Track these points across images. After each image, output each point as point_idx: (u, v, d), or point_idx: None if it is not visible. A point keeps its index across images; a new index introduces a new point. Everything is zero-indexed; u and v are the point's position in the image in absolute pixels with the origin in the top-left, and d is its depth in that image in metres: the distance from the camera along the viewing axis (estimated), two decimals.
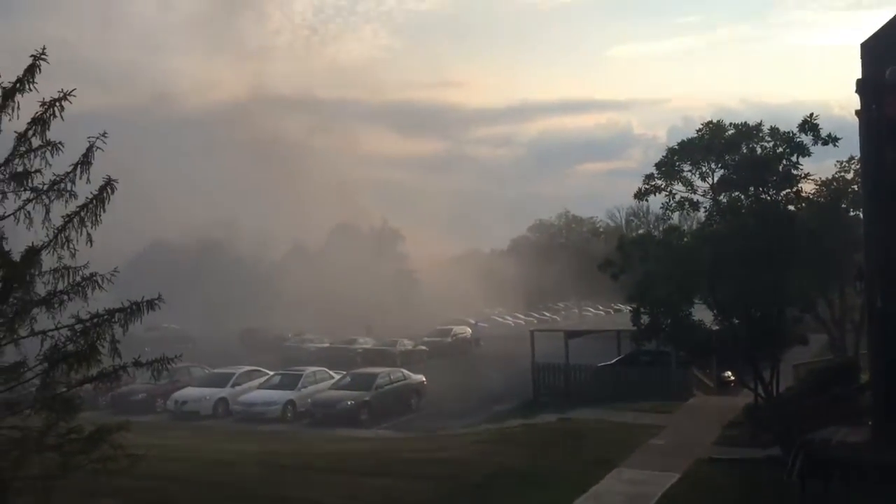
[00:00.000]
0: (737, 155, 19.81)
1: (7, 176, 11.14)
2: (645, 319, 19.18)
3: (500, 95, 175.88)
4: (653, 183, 20.48)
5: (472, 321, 63.76)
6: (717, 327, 20.02)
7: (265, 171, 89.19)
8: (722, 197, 20.33)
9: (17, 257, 10.99)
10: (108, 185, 11.24)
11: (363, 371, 30.03)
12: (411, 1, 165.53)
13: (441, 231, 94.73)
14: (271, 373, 29.93)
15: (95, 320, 11.27)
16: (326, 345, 46.63)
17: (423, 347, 46.24)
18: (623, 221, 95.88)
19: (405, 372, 29.57)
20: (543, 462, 17.21)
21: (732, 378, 28.35)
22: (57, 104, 11.08)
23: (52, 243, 11.16)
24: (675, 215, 21.92)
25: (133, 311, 11.39)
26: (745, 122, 20.13)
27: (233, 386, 28.38)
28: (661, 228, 33.23)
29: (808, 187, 21.07)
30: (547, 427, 21.59)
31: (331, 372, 29.89)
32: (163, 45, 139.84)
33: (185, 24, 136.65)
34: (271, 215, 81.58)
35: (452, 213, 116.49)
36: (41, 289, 11.24)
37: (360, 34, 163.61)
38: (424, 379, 29.47)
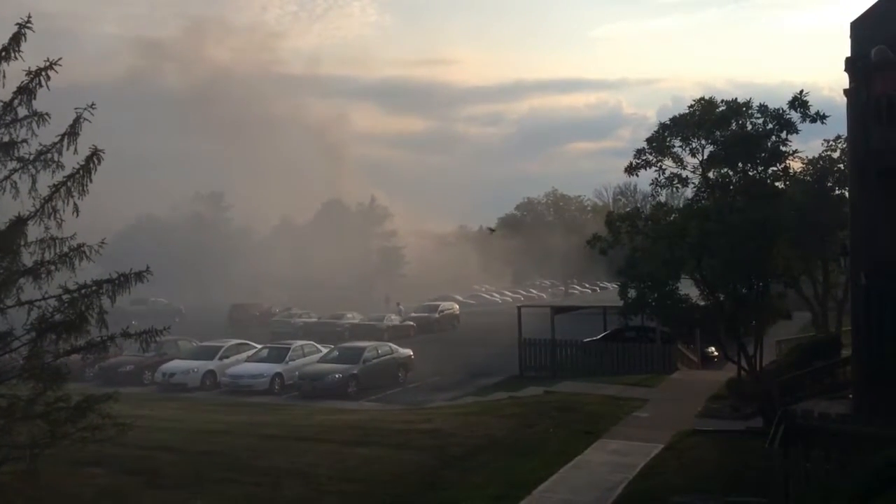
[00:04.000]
0: (727, 131, 19.86)
1: None
2: (632, 294, 19.29)
3: (490, 74, 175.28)
4: (644, 158, 20.50)
5: (460, 298, 63.98)
6: (702, 303, 20.22)
7: (253, 148, 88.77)
8: (711, 173, 20.43)
9: (2, 227, 10.93)
10: (95, 155, 11.17)
11: (351, 345, 30.10)
12: None
13: (430, 209, 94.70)
14: (259, 346, 29.97)
15: (83, 291, 11.25)
16: (314, 319, 46.66)
17: (411, 323, 46.45)
18: (610, 200, 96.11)
19: (392, 346, 29.66)
20: (529, 433, 17.40)
21: (716, 353, 28.73)
22: (43, 73, 10.96)
23: (38, 213, 11.10)
24: (664, 193, 22.01)
25: (121, 282, 11.38)
26: (736, 99, 20.20)
27: (221, 359, 28.38)
28: (648, 206, 33.39)
29: (795, 165, 21.23)
30: (532, 400, 21.80)
31: (318, 346, 29.94)
32: (147, 21, 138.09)
33: None
34: (259, 191, 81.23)
35: (441, 191, 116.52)
36: (28, 259, 11.19)
37: (349, 10, 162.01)
38: (412, 353, 29.62)
